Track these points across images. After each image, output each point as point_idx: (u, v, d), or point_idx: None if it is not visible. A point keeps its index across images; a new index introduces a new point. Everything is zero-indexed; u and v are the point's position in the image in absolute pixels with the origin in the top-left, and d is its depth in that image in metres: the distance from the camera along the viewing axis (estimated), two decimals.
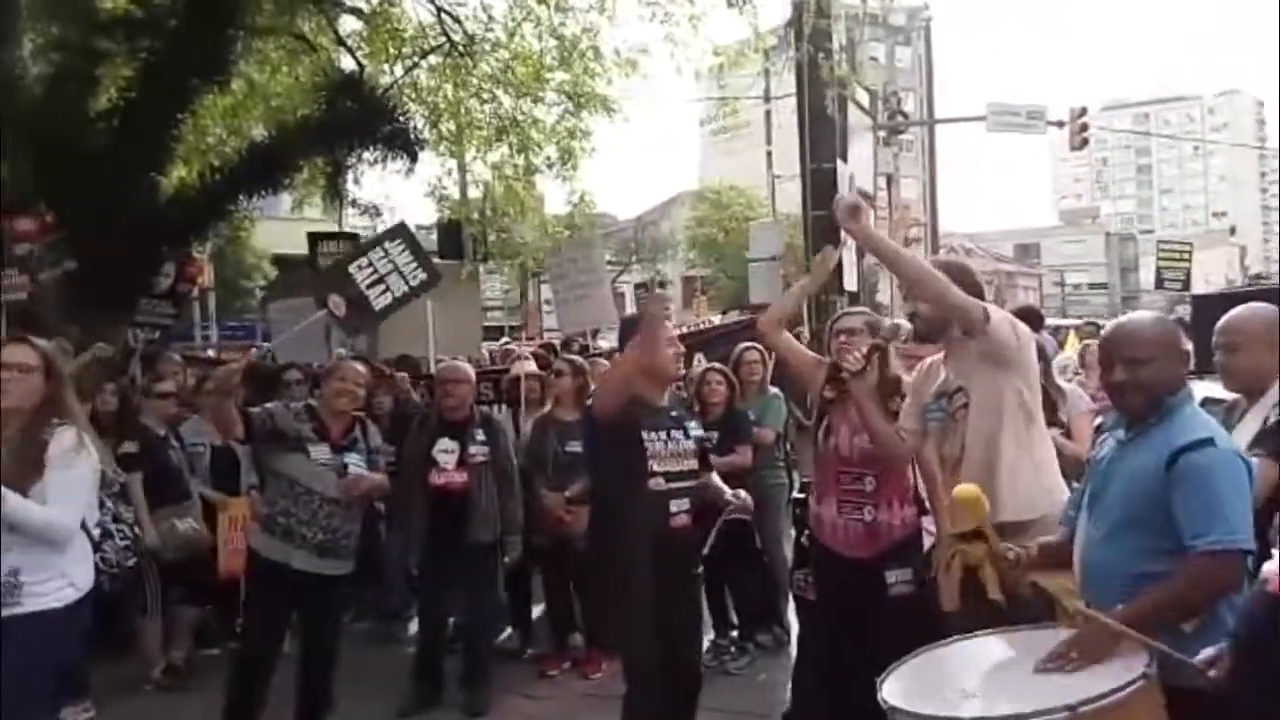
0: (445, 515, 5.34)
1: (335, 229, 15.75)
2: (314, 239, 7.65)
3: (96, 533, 3.83)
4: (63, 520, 3.54)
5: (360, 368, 4.92)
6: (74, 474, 3.58)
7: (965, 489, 2.86)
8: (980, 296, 3.45)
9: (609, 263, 15.36)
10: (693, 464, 4.01)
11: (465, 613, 5.71)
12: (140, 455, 5.66)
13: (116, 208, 7.48)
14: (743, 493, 4.29)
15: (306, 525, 4.54)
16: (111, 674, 5.57)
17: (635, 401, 3.90)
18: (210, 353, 16.65)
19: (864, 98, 17.24)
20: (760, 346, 6.41)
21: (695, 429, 4.15)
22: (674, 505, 3.89)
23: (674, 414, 4.11)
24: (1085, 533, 2.68)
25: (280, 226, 19.55)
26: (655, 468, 3.86)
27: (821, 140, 11.22)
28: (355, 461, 4.64)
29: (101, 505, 3.88)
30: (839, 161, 11.47)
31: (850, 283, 12.23)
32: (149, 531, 5.55)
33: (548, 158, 11.89)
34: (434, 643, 5.57)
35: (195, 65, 7.80)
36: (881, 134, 19.53)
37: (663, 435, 3.93)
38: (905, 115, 26.31)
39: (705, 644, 5.92)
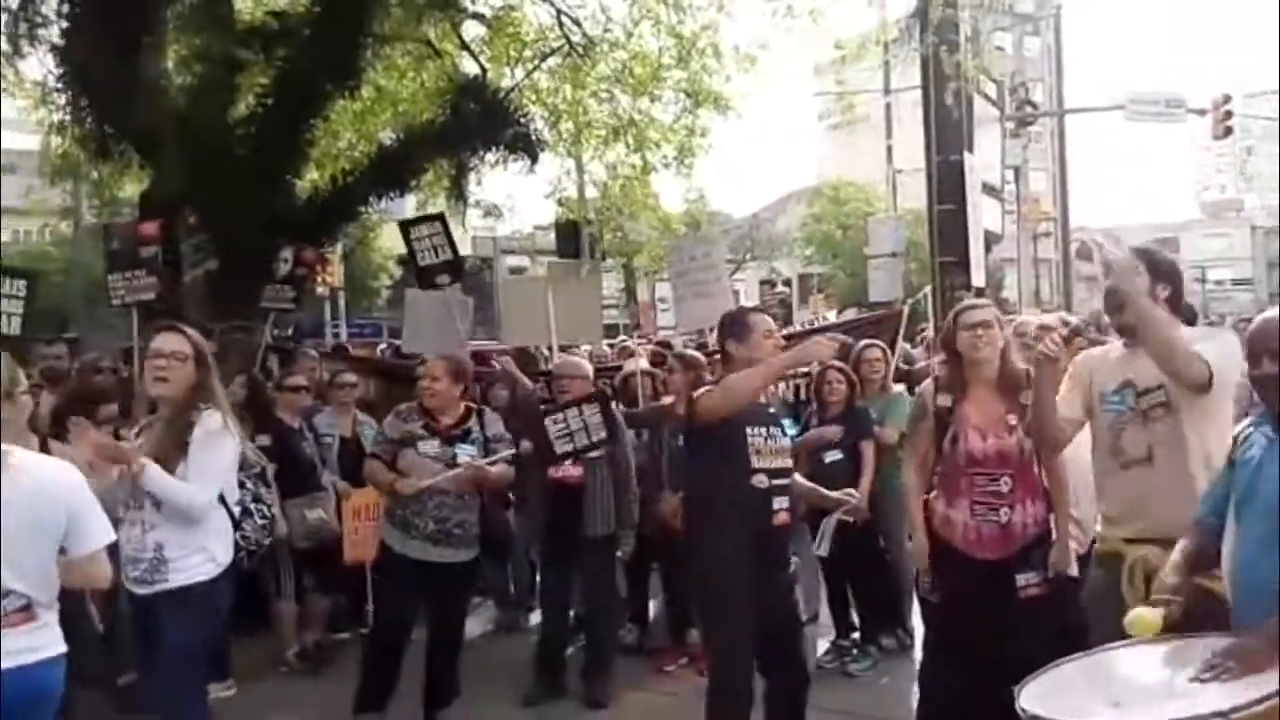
0: (562, 507, 5.42)
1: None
2: (405, 226, 7.78)
3: (237, 511, 3.97)
4: (201, 496, 3.72)
5: (442, 362, 5.02)
6: (216, 454, 3.78)
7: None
8: (1180, 292, 3.36)
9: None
10: (788, 461, 3.99)
11: (585, 604, 5.79)
12: (273, 447, 5.84)
13: (255, 210, 7.82)
14: (854, 492, 4.22)
15: (419, 516, 4.70)
16: (249, 654, 5.82)
17: None
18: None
19: (991, 88, 16.71)
20: (881, 344, 6.29)
21: (790, 427, 4.15)
22: (776, 503, 3.88)
23: (771, 410, 4.08)
24: (1235, 538, 2.54)
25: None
26: (757, 464, 3.85)
27: (947, 133, 10.93)
28: (468, 452, 4.76)
29: (242, 485, 4.04)
30: (966, 154, 11.14)
31: (978, 278, 11.89)
32: (279, 521, 5.79)
33: (664, 156, 11.92)
34: (556, 633, 5.64)
35: (327, 72, 8.09)
36: (1009, 125, 18.87)
37: (764, 432, 3.91)
38: (1034, 106, 25.34)
39: (825, 645, 5.91)
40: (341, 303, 21.95)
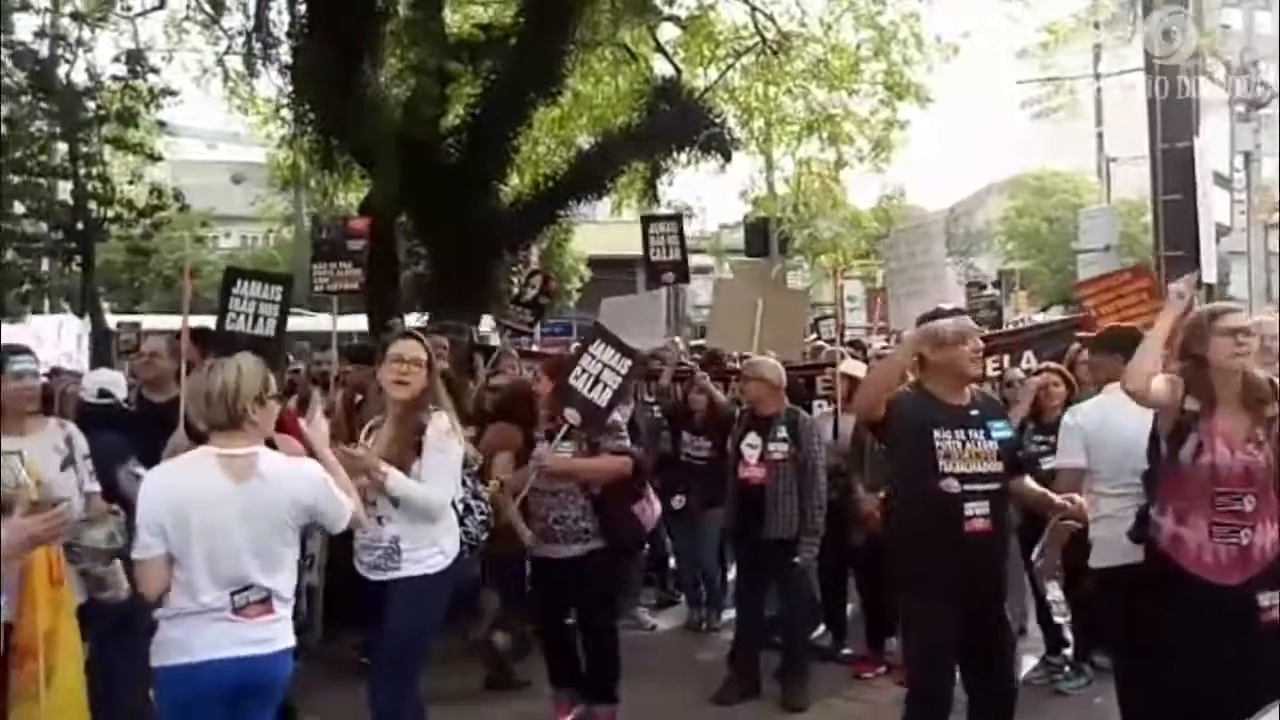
0: (749, 509, 5.43)
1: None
2: (646, 221, 7.93)
3: (460, 508, 4.17)
4: (439, 495, 3.94)
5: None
6: (448, 455, 3.99)
7: None
8: None
9: None
10: (995, 466, 3.77)
11: (779, 607, 5.75)
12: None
13: (464, 216, 8.19)
14: (1077, 497, 3.97)
15: (531, 515, 4.87)
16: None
17: (927, 399, 3.78)
18: (534, 348, 17.85)
19: (1218, 69, 15.43)
20: None
21: (1001, 430, 3.89)
22: (969, 509, 3.69)
23: (974, 412, 3.86)
24: None
25: (596, 230, 20.54)
26: (947, 468, 3.69)
27: (1172, 117, 10.15)
28: (564, 449, 4.85)
29: (463, 483, 4.24)
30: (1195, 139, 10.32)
31: (1209, 274, 11.00)
32: None
33: (859, 150, 11.67)
34: (749, 634, 5.63)
35: (533, 81, 8.36)
36: (1239, 108, 17.37)
37: (959, 435, 3.74)
38: (1266, 87, 23.17)
39: (1035, 662, 5.62)
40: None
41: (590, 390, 5.02)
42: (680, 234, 7.75)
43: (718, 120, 9.44)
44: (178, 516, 3.05)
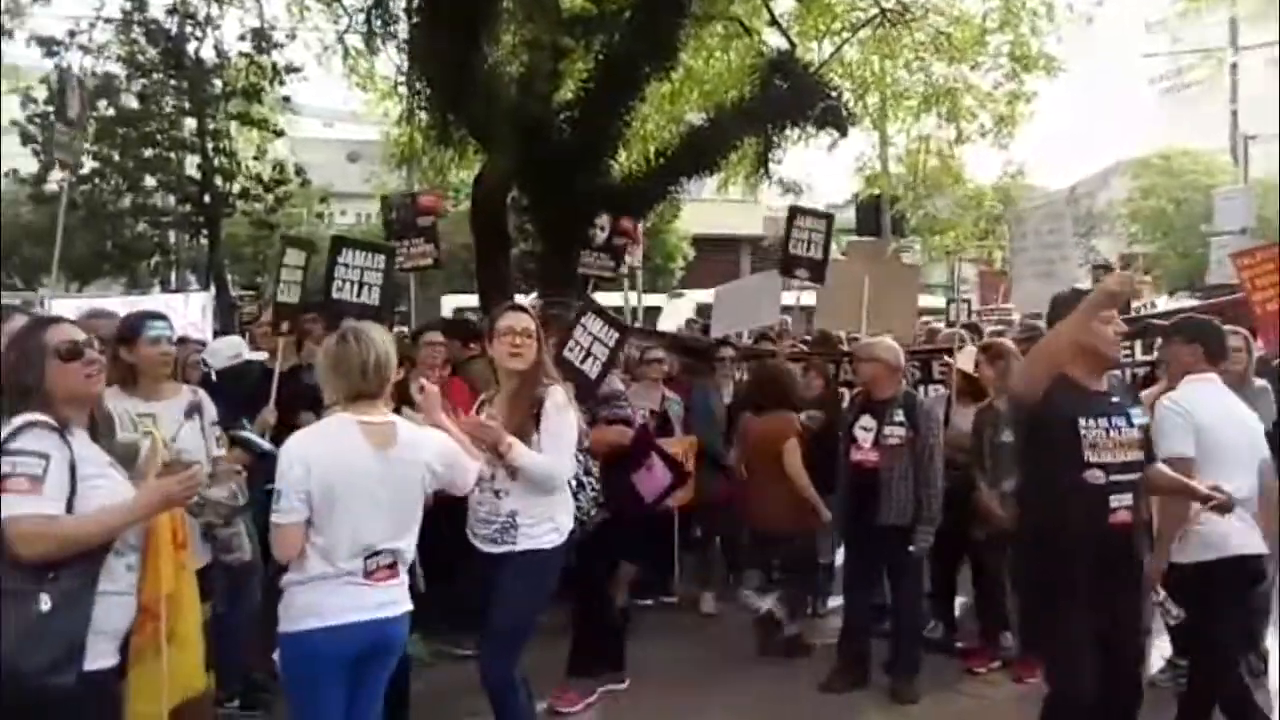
0: (861, 494, 5.32)
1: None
2: (794, 212, 7.80)
3: (572, 484, 4.19)
4: (557, 468, 3.94)
5: None
6: (567, 427, 3.99)
7: None
8: None
9: None
10: (1137, 455, 3.61)
11: (890, 595, 5.62)
12: None
13: (575, 191, 8.18)
14: (1225, 486, 3.75)
15: None
16: (554, 618, 6.15)
17: (1069, 385, 3.59)
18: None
19: None
20: (1244, 331, 5.58)
21: (1139, 416, 3.70)
22: (1114, 500, 3.53)
23: (1115, 399, 3.69)
24: None
25: (700, 209, 20.34)
26: (1092, 458, 3.53)
27: None
28: None
29: (576, 459, 4.23)
30: None
31: None
32: None
33: (981, 125, 11.25)
34: (857, 621, 5.52)
35: (647, 55, 8.27)
36: None
37: (1103, 423, 3.56)
38: None
39: (1162, 662, 5.36)
40: (640, 284, 22.57)
41: (582, 363, 5.20)
42: (828, 234, 7.53)
43: (834, 94, 9.19)
44: (324, 483, 3.11)
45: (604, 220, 7.29)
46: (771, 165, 10.05)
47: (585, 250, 7.24)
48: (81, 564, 2.65)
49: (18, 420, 2.65)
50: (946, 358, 6.67)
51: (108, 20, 11.14)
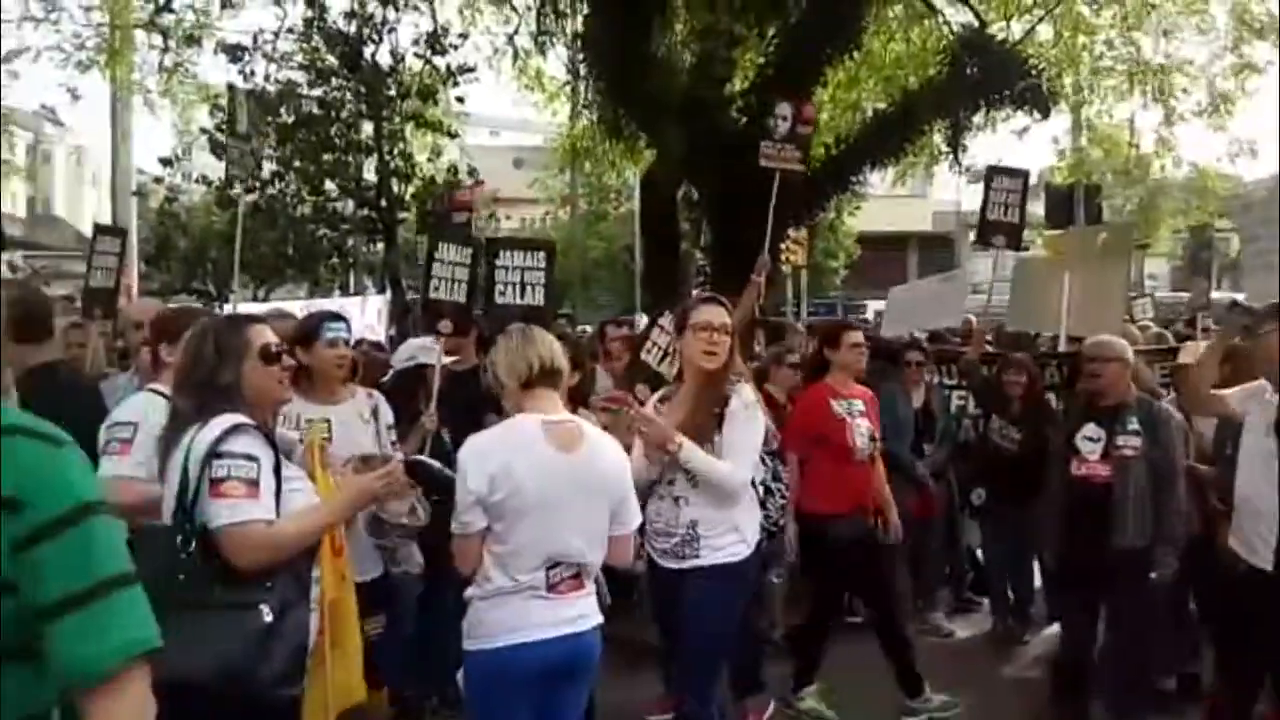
0: (1085, 510, 4.67)
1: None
2: (991, 172, 7.27)
3: (760, 490, 3.92)
4: (740, 474, 3.62)
5: None
6: (752, 430, 3.68)
7: None
8: None
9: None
10: None
11: (1109, 626, 4.98)
12: None
13: (748, 184, 7.79)
14: None
15: None
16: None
17: None
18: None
19: None
20: None
21: None
22: None
23: None
24: None
25: (866, 206, 19.66)
26: None
27: None
28: None
29: (762, 462, 3.90)
30: None
31: None
32: None
33: (1197, 103, 10.20)
34: (1076, 653, 4.90)
35: (829, 39, 7.85)
36: None
37: None
38: None
39: None
40: (804, 282, 22.02)
41: (659, 364, 4.93)
42: (1024, 194, 6.98)
43: (1035, 71, 8.46)
44: (503, 490, 2.86)
45: (784, 108, 6.75)
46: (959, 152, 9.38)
47: (767, 141, 6.74)
48: (292, 570, 2.57)
49: (222, 422, 2.52)
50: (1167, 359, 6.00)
51: (289, 30, 11.55)
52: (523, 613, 2.89)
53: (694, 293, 8.41)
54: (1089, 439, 4.77)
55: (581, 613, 2.99)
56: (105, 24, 10.98)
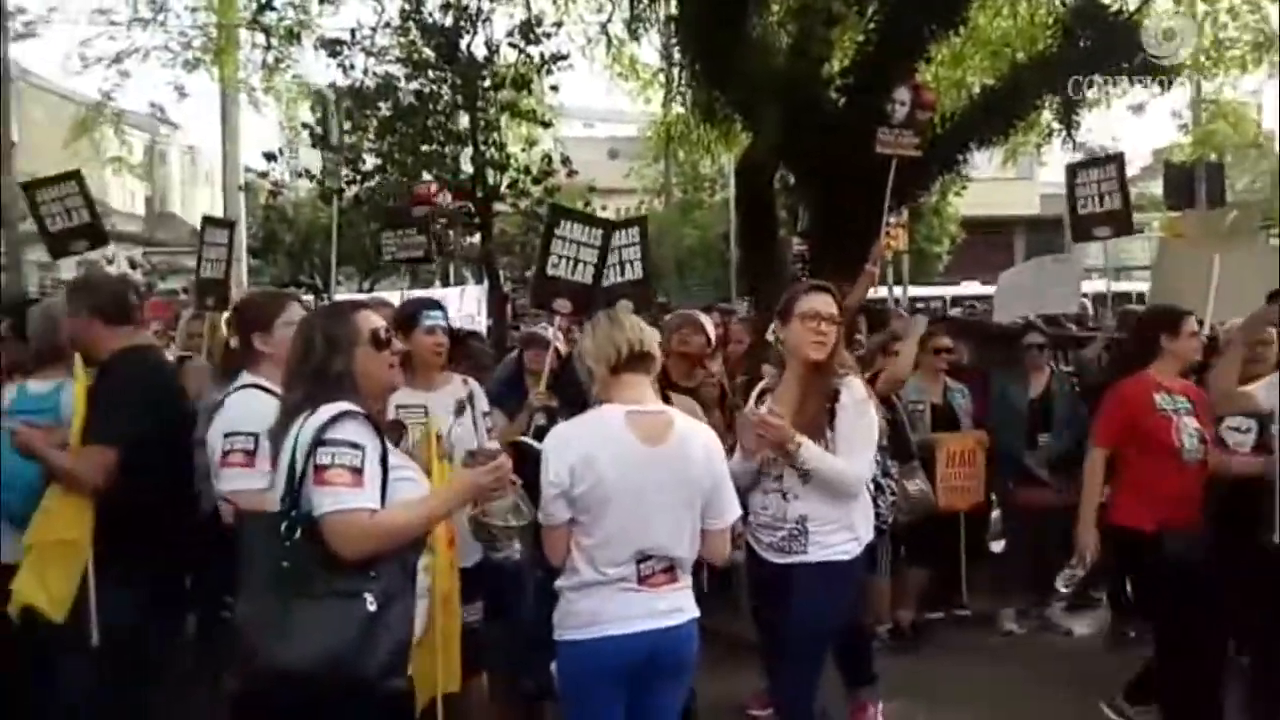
0: (1236, 506, 4.36)
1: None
2: (1073, 170, 7.00)
3: (870, 487, 3.79)
4: (855, 470, 3.49)
5: None
6: (866, 425, 3.55)
7: None
8: None
9: None
10: None
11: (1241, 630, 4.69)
12: None
13: (848, 167, 7.57)
14: None
15: None
16: None
17: None
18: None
19: None
20: None
21: None
22: None
23: None
24: None
25: (969, 189, 19.08)
26: None
27: None
28: None
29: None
30: None
31: None
32: None
33: None
34: (1219, 663, 4.58)
35: (932, 14, 7.56)
36: None
37: None
38: None
39: None
40: (906, 269, 21.52)
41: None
42: (1121, 178, 6.70)
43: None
44: (588, 481, 2.81)
45: (903, 93, 6.51)
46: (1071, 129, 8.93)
47: (884, 128, 6.55)
48: (398, 560, 2.56)
49: (330, 409, 2.51)
50: None
51: (387, 25, 11.71)
52: (612, 604, 2.84)
53: (793, 279, 8.24)
54: (1234, 429, 4.48)
55: (675, 605, 2.93)
56: (211, 24, 11.31)
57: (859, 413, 3.54)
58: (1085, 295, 9.95)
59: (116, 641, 3.37)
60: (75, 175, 6.38)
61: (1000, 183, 23.48)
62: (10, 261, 13.02)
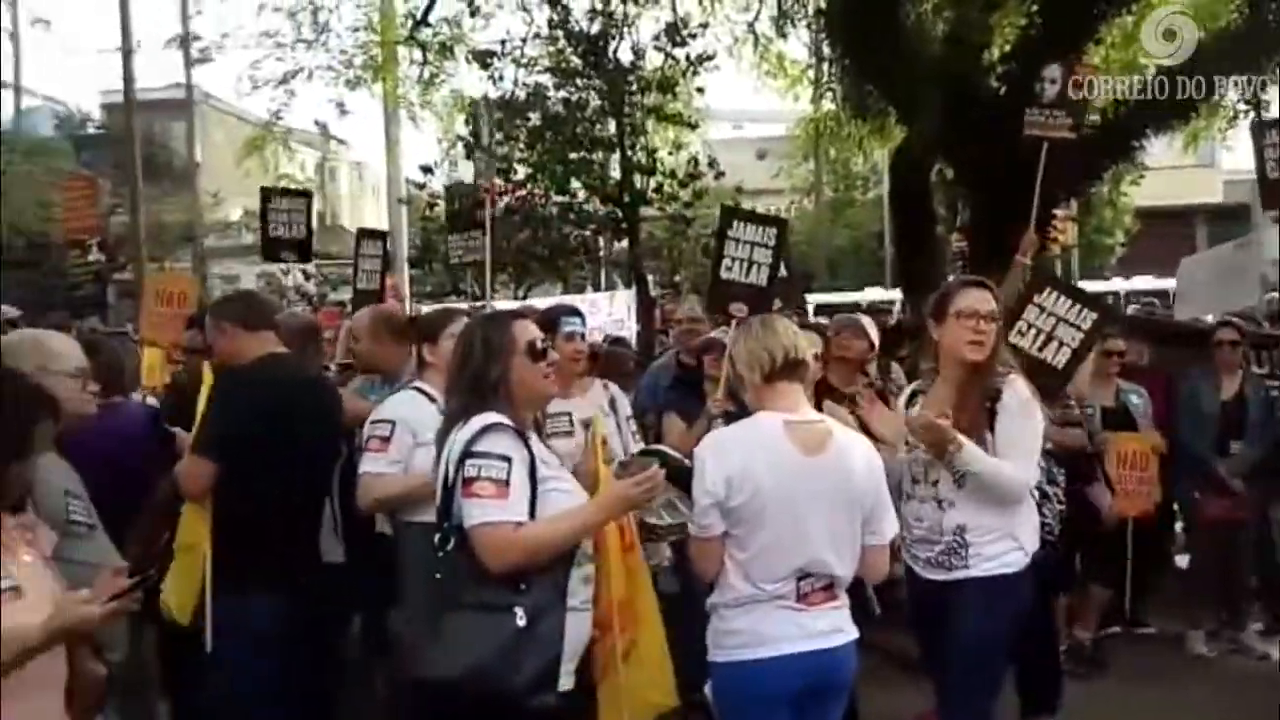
0: None
1: None
2: (1260, 127, 6.44)
3: (1035, 495, 3.52)
4: (1019, 477, 3.27)
5: None
6: (1030, 425, 3.32)
7: None
8: None
9: None
10: None
11: None
12: None
13: (1013, 158, 7.20)
14: None
15: None
16: None
17: None
18: None
19: None
20: None
21: None
22: None
23: None
24: None
25: (1147, 177, 18.01)
26: None
27: None
28: None
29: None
30: None
31: None
32: None
33: None
34: None
35: None
36: None
37: None
38: None
39: None
40: (1075, 263, 20.45)
41: (1041, 349, 4.50)
42: None
43: None
44: (744, 493, 2.70)
45: (1053, 71, 6.11)
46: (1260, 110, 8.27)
47: (1033, 108, 6.15)
48: (549, 574, 2.54)
49: (480, 421, 2.51)
50: None
51: (537, 35, 11.92)
52: (770, 623, 2.73)
53: (950, 277, 7.90)
54: None
55: (835, 626, 2.79)
56: (372, 41, 11.77)
57: (1024, 413, 3.30)
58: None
59: (237, 646, 3.39)
60: (308, 195, 7.21)
61: (1180, 171, 22.04)
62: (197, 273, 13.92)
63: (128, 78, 18.46)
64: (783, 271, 5.72)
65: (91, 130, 28.99)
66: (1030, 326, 4.54)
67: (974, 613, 3.27)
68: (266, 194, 7.09)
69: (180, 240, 23.75)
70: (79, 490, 2.88)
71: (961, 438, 3.17)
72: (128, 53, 18.24)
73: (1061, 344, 4.48)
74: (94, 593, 2.20)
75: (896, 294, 11.37)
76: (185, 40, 17.77)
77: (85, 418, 3.07)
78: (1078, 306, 4.53)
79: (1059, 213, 9.60)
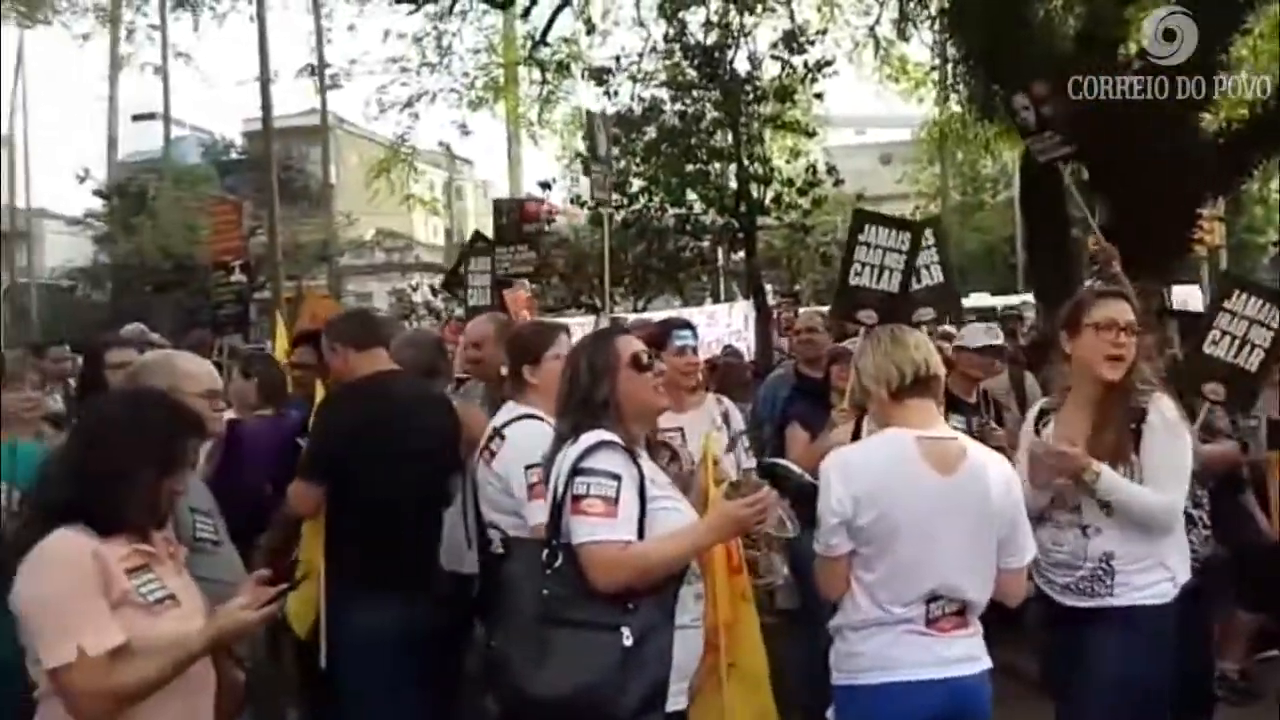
0: None
1: None
2: None
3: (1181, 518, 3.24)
4: (1168, 505, 3.05)
5: None
6: (1178, 447, 3.09)
7: None
8: None
9: None
10: None
11: None
12: None
13: (1153, 158, 6.82)
14: None
15: None
16: None
17: None
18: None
19: None
20: None
21: None
22: None
23: None
24: None
25: None
26: None
27: None
28: None
29: None
30: None
31: None
32: None
33: None
34: None
35: None
36: None
37: None
38: None
39: None
40: (1223, 263, 19.31)
41: (1235, 355, 4.22)
42: None
43: None
44: (872, 511, 2.60)
45: (1021, 99, 5.76)
46: None
47: (1028, 137, 5.84)
48: (657, 594, 2.51)
49: (590, 438, 2.51)
50: None
51: (653, 50, 11.96)
52: (898, 648, 2.62)
53: (1086, 284, 7.53)
54: None
55: (968, 653, 2.66)
56: (493, 63, 12.04)
57: (1172, 434, 3.07)
58: None
59: (350, 660, 3.44)
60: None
61: None
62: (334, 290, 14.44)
63: (266, 105, 19.39)
64: (939, 277, 5.49)
65: (234, 156, 30.57)
66: (1224, 334, 4.28)
67: (1118, 644, 3.05)
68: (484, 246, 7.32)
69: (315, 259, 24.75)
70: (207, 506, 2.98)
71: (1096, 464, 2.97)
72: (266, 82, 19.17)
73: (1255, 346, 4.22)
74: (247, 601, 2.30)
75: (1030, 298, 10.94)
76: (319, 68, 18.52)
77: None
78: (1268, 306, 4.25)
79: (1205, 212, 9.04)
